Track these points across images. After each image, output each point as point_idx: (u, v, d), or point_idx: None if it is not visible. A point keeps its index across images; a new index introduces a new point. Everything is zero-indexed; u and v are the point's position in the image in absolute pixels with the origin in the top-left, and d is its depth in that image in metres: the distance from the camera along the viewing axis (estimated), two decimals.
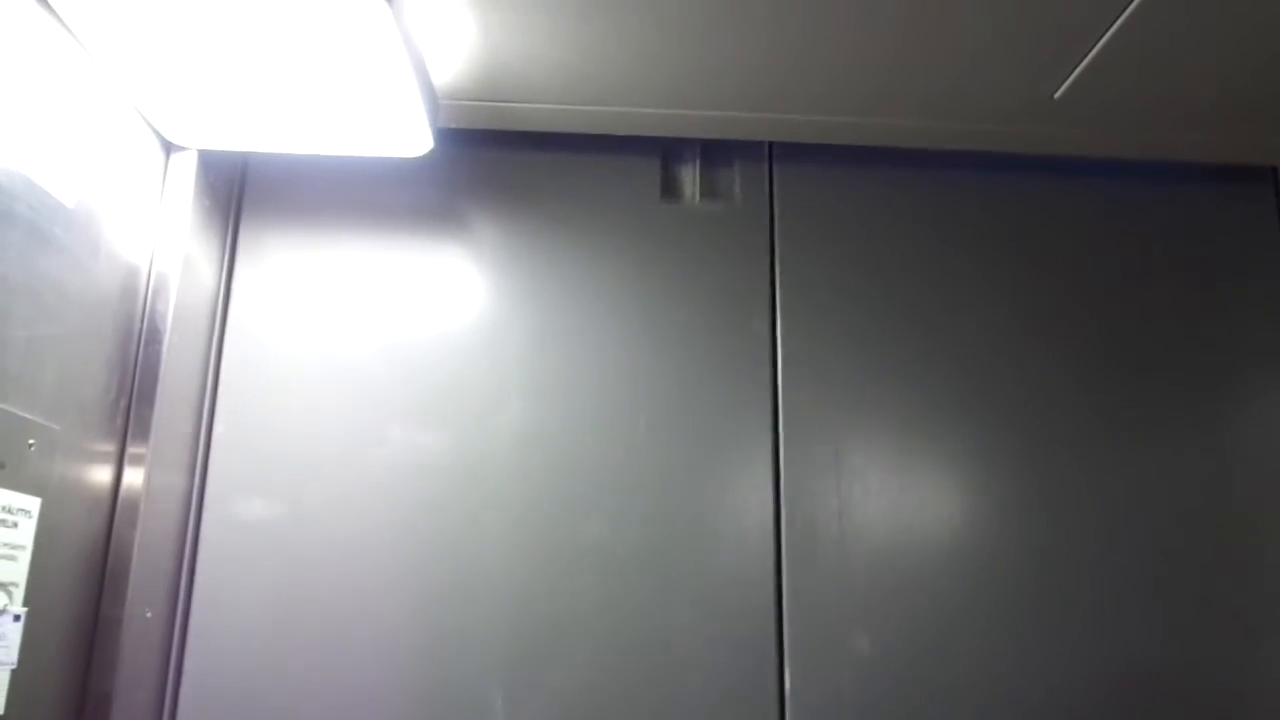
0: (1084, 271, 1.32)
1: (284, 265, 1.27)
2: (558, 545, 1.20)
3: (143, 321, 1.13)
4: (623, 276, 1.29)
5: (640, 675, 1.16)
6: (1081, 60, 1.09)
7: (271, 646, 1.15)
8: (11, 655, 0.90)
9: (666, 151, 1.34)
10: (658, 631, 1.18)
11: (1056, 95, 1.15)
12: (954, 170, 1.34)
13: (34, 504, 0.94)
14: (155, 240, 1.16)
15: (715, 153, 1.34)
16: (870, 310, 1.29)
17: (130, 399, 1.11)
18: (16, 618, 0.91)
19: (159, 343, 1.12)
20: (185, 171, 1.17)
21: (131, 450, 1.10)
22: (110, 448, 1.08)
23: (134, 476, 1.09)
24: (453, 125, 1.25)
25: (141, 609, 1.09)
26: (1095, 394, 1.28)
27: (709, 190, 1.34)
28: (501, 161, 1.32)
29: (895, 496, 1.23)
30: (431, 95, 1.12)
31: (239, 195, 1.29)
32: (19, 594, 0.91)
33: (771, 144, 1.34)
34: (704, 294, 1.29)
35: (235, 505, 1.19)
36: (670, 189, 1.33)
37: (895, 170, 1.34)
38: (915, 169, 1.34)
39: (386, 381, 1.24)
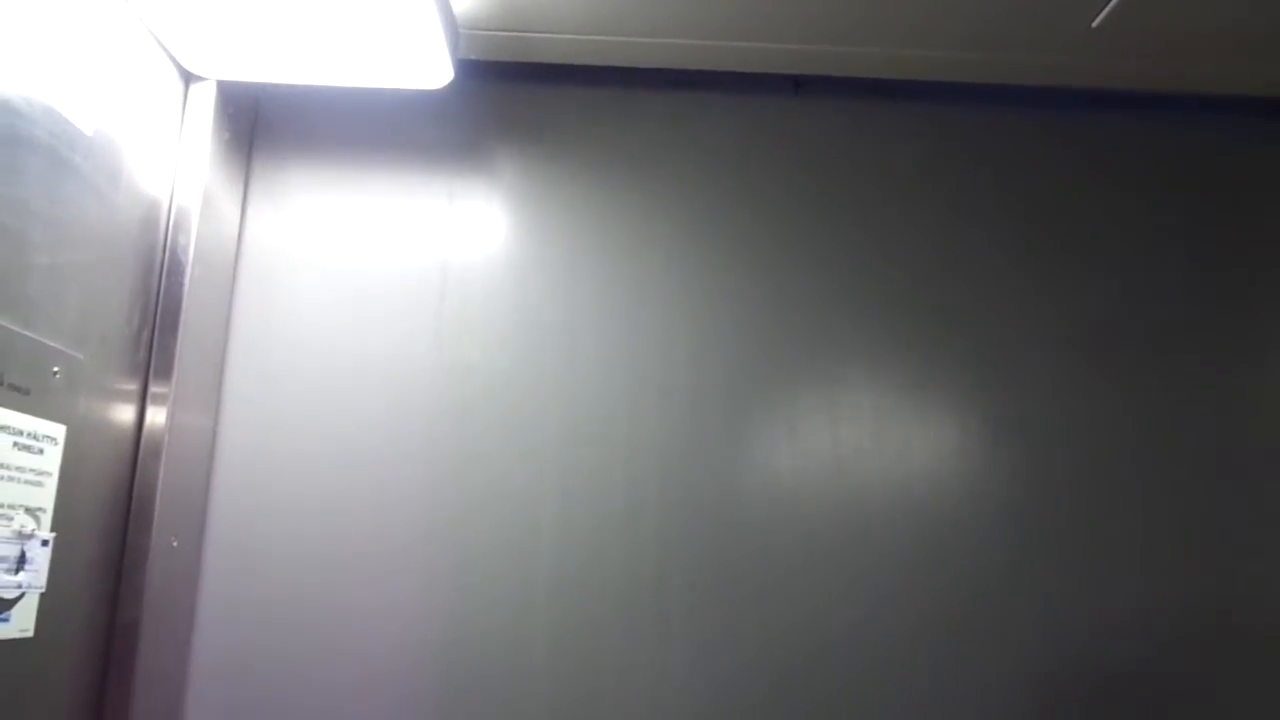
0: (1116, 207, 1.29)
1: (300, 200, 1.26)
2: (578, 469, 1.20)
3: (164, 254, 1.13)
4: (645, 212, 1.27)
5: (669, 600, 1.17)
6: None
7: (292, 576, 1.16)
8: (40, 579, 0.91)
9: (691, 84, 1.31)
10: (680, 565, 1.18)
11: (1095, 24, 1.12)
12: (986, 105, 1.31)
13: (59, 431, 0.94)
14: (175, 172, 1.15)
15: (741, 85, 1.31)
16: (893, 248, 1.27)
17: (153, 331, 1.11)
18: (45, 542, 0.92)
19: (181, 275, 1.12)
20: (204, 103, 1.16)
21: (155, 385, 1.10)
22: (134, 380, 1.08)
23: (157, 410, 1.09)
24: (473, 57, 1.23)
25: (168, 539, 1.10)
26: (1123, 328, 1.26)
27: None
28: (521, 95, 1.30)
29: (896, 438, 1.23)
30: (452, 24, 1.10)
31: (255, 129, 1.28)
32: (46, 519, 0.92)
33: (797, 77, 1.31)
34: (726, 232, 1.27)
35: (253, 437, 1.20)
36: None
37: (922, 104, 1.31)
38: (944, 103, 1.31)
39: (403, 317, 1.24)
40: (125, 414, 1.07)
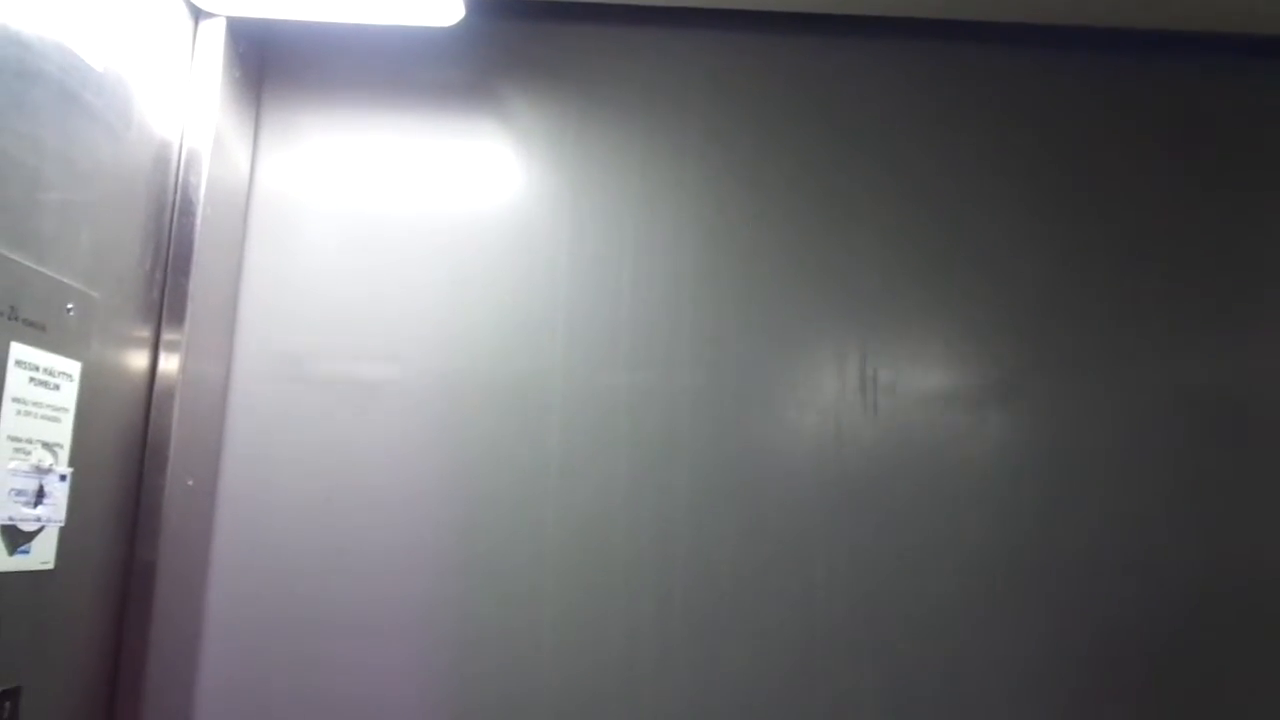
0: (1121, 152, 1.28)
1: (310, 141, 1.26)
2: (586, 416, 1.20)
3: (175, 194, 1.12)
4: (658, 151, 1.26)
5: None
6: None
7: (308, 515, 1.18)
8: (59, 513, 0.92)
9: (705, 21, 1.29)
10: (696, 507, 1.19)
11: None
12: (991, 44, 1.29)
13: (74, 368, 0.95)
14: (186, 111, 1.14)
15: (754, 23, 1.29)
16: (893, 198, 1.26)
17: (165, 272, 1.11)
18: (63, 477, 0.93)
19: (192, 215, 1.12)
20: (214, 40, 1.15)
21: (168, 325, 1.10)
22: (149, 320, 1.08)
23: (171, 349, 1.10)
24: None
25: (183, 479, 1.11)
26: (1152, 282, 1.25)
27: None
28: (532, 32, 1.28)
29: (915, 394, 1.22)
30: None
31: (265, 67, 1.26)
32: (64, 454, 0.93)
33: (802, 15, 1.29)
34: (740, 171, 1.26)
35: (266, 381, 1.20)
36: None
37: (941, 42, 1.29)
38: (946, 41, 1.29)
39: (414, 260, 1.23)
40: (140, 354, 1.07)
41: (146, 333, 1.08)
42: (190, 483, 1.12)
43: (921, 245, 1.25)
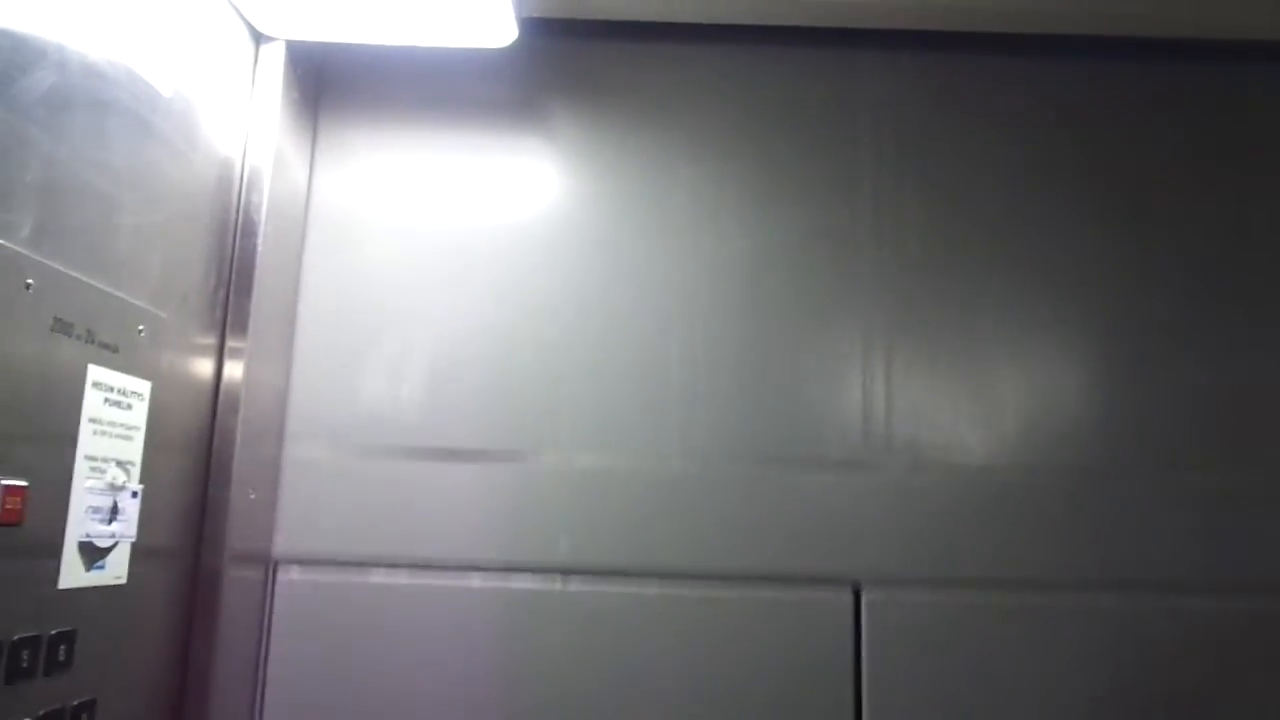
0: (1162, 160, 1.28)
1: (365, 160, 1.28)
2: (636, 429, 1.21)
3: (238, 214, 1.15)
4: (706, 168, 1.27)
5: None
6: None
7: (363, 521, 1.20)
8: (131, 529, 0.95)
9: (752, 39, 1.30)
10: (729, 498, 1.20)
11: None
12: (1034, 56, 1.29)
13: (145, 387, 0.97)
14: (247, 133, 1.17)
15: (798, 39, 1.30)
16: (956, 197, 1.26)
17: (228, 290, 1.13)
18: (134, 494, 0.95)
19: (254, 235, 1.14)
20: (274, 63, 1.18)
21: (231, 342, 1.13)
22: (211, 339, 1.11)
23: (234, 367, 1.12)
24: (536, 14, 1.22)
25: (245, 491, 1.13)
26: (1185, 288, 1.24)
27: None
28: (584, 51, 1.30)
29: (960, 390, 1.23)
30: None
31: (321, 89, 1.29)
32: (135, 472, 0.96)
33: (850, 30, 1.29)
34: (789, 189, 1.27)
35: (323, 392, 1.23)
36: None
37: (970, 57, 1.29)
38: (990, 54, 1.29)
39: (466, 274, 1.25)
40: (204, 370, 1.10)
41: (210, 350, 1.11)
42: (252, 495, 1.15)
43: (951, 247, 1.25)
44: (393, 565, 1.19)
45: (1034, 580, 1.18)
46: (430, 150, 1.28)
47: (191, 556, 1.08)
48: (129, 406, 0.95)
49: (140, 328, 0.97)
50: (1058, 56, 1.29)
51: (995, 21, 1.24)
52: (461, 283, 1.25)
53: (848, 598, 1.18)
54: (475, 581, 1.19)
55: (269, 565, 1.19)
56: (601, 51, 1.30)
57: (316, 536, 1.20)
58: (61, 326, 0.85)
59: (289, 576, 1.19)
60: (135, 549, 0.96)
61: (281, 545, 1.20)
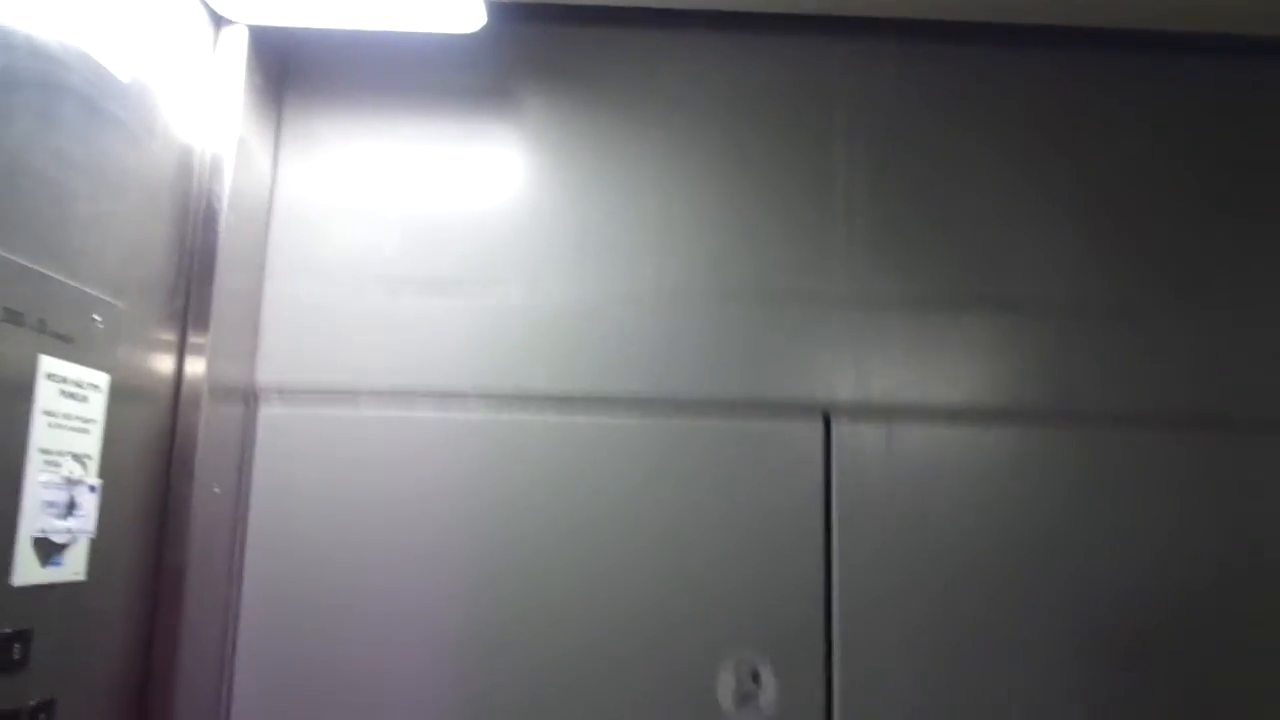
0: (1136, 154, 1.28)
1: (331, 148, 1.25)
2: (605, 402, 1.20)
3: (198, 202, 1.12)
4: (675, 152, 1.26)
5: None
6: None
7: (335, 521, 1.18)
8: (89, 524, 0.93)
9: (722, 24, 1.28)
10: (708, 484, 1.19)
11: None
12: (1018, 47, 1.28)
13: (103, 379, 0.95)
14: (208, 119, 1.14)
15: (769, 25, 1.28)
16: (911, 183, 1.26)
17: (189, 280, 1.11)
18: (92, 488, 0.93)
19: (215, 223, 1.12)
20: (236, 48, 1.15)
21: (193, 335, 1.10)
22: (172, 331, 1.08)
23: (196, 359, 1.10)
24: None
25: (209, 486, 1.11)
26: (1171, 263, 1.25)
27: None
28: (552, 37, 1.28)
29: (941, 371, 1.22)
30: None
31: (286, 75, 1.26)
32: (93, 466, 0.93)
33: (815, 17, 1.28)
34: (761, 171, 1.26)
35: (292, 385, 1.20)
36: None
37: (952, 46, 1.29)
38: (976, 46, 1.29)
39: (436, 261, 1.23)
40: (165, 363, 1.07)
41: (172, 341, 1.08)
42: (217, 490, 1.12)
43: (908, 229, 1.25)
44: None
45: (1004, 410, 1.22)
46: (398, 137, 1.26)
47: (154, 553, 1.05)
48: (85, 399, 0.92)
49: (96, 317, 0.94)
50: (1038, 48, 1.29)
51: (975, 11, 1.23)
52: (431, 271, 1.23)
53: (818, 426, 1.20)
54: (452, 412, 1.19)
55: (236, 561, 1.16)
56: (571, 37, 1.28)
57: (286, 533, 1.18)
58: (10, 316, 0.82)
59: (258, 572, 1.17)
60: (95, 545, 0.93)
61: (252, 541, 1.17)
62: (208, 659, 1.12)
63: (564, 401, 1.21)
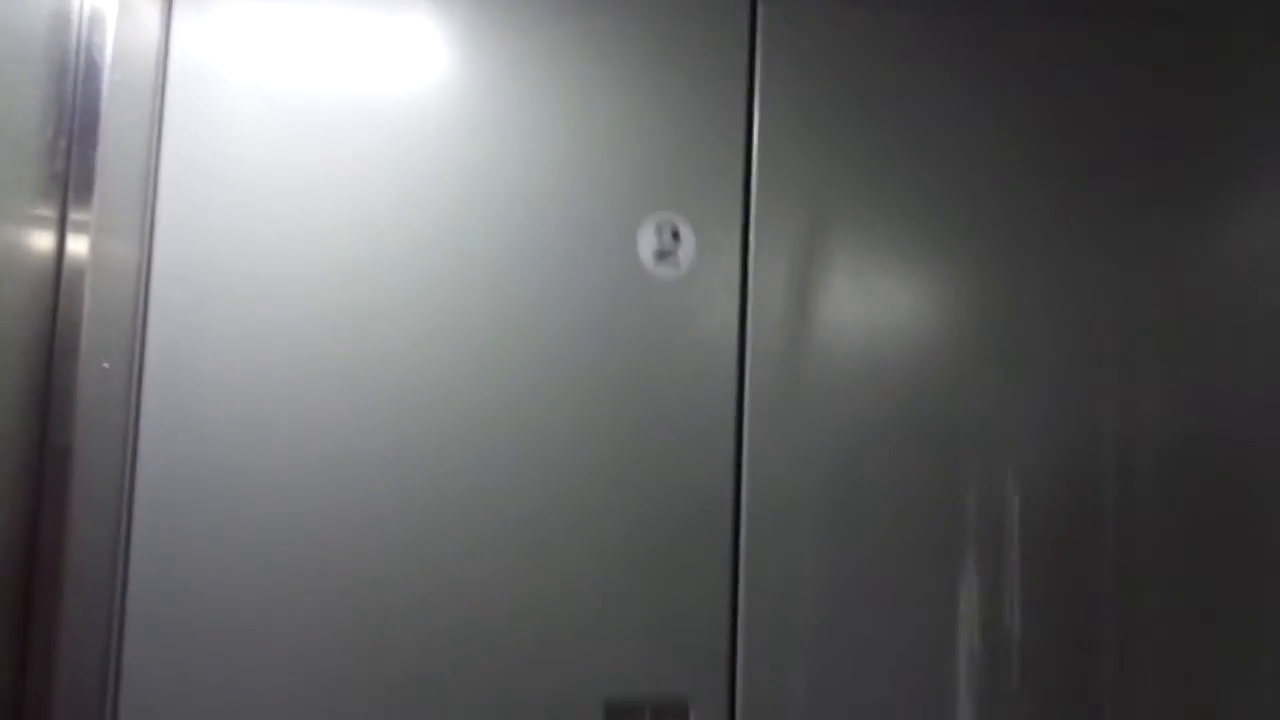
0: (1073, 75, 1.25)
1: (230, 5, 1.16)
2: (503, 325, 1.17)
3: (77, 56, 1.04)
4: (600, 32, 1.20)
5: (602, 458, 1.16)
6: None
7: (233, 396, 1.13)
8: None
9: None
10: (617, 423, 1.17)
11: None
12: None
13: None
14: None
15: None
16: (853, 109, 1.22)
17: (70, 141, 1.03)
18: None
19: (97, 79, 1.03)
20: None
21: (74, 196, 1.03)
22: (53, 199, 1.01)
23: (79, 230, 1.03)
24: None
25: (98, 362, 1.06)
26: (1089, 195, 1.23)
27: None
28: None
29: (865, 292, 1.21)
30: None
31: None
32: None
33: None
34: (680, 73, 1.20)
35: (190, 261, 1.14)
36: None
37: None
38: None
39: (345, 139, 1.16)
40: (44, 233, 1.00)
41: (51, 210, 1.01)
42: (106, 365, 1.07)
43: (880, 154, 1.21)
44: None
45: None
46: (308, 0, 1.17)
47: (37, 432, 1.01)
48: None
49: None
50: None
51: None
52: (341, 149, 1.16)
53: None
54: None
55: (130, 437, 1.12)
56: None
57: (183, 409, 1.13)
58: None
59: (153, 449, 1.13)
60: None
61: (146, 417, 1.13)
62: (100, 538, 1.08)
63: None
